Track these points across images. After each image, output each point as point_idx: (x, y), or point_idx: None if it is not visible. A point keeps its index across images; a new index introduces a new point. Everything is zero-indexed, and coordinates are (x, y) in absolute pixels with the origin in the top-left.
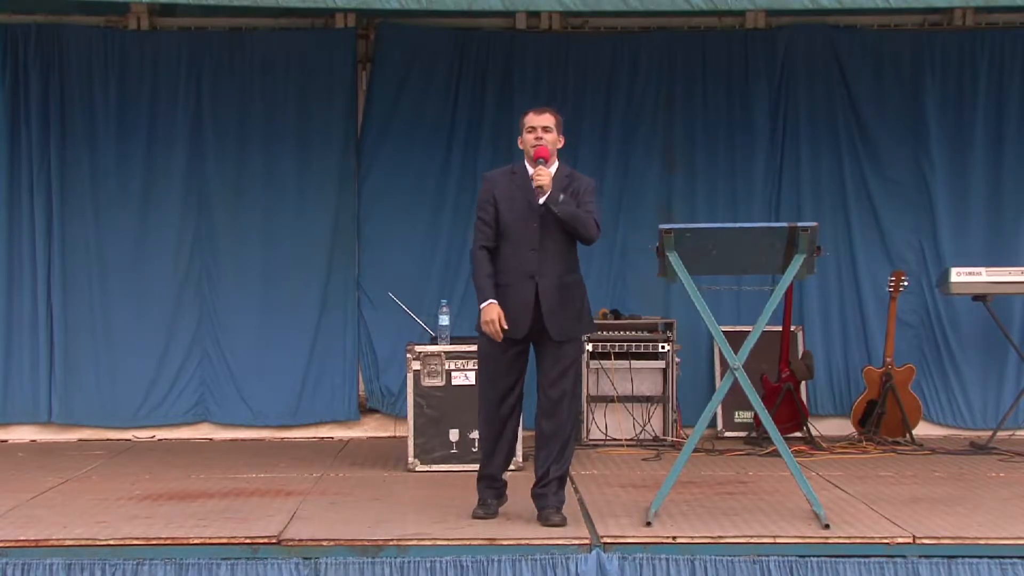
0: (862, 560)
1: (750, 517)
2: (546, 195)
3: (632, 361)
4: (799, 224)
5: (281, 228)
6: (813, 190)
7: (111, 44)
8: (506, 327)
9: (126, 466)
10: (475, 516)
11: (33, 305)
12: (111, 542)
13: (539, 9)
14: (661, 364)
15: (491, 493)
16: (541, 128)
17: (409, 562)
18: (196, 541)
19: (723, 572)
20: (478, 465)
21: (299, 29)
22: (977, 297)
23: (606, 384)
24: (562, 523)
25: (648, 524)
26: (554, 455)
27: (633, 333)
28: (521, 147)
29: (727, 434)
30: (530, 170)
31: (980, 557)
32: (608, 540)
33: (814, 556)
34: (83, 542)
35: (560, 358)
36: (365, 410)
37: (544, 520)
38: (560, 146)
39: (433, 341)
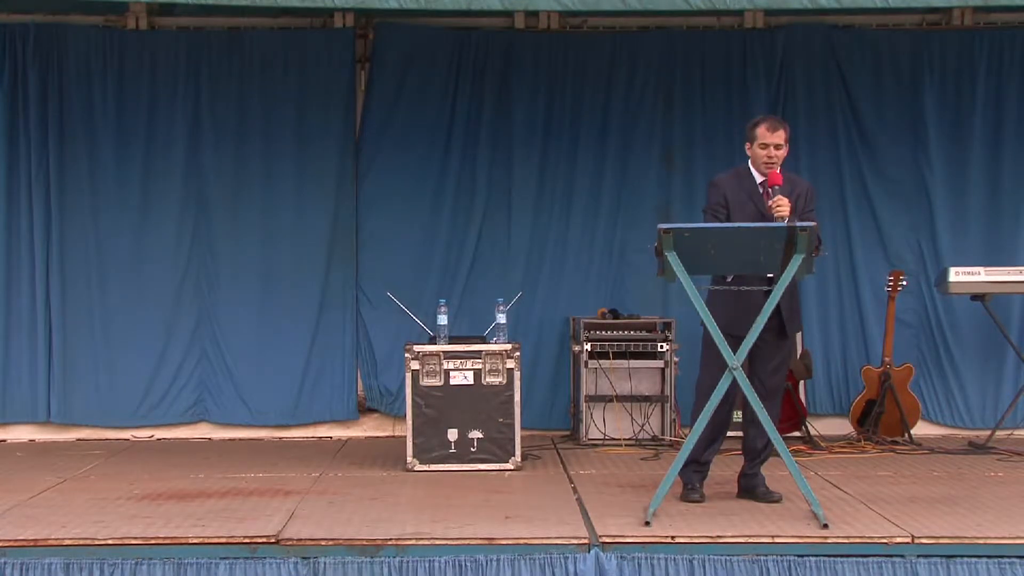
0: (860, 560)
1: (748, 517)
2: (786, 220)
3: (631, 361)
4: (798, 224)
5: (280, 227)
6: None
7: (110, 43)
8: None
9: (124, 466)
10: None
11: (32, 304)
12: (110, 542)
13: (538, 9)
14: (660, 364)
15: (698, 477)
16: (774, 146)
17: (408, 561)
18: (195, 540)
19: (722, 572)
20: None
21: (298, 29)
22: (976, 297)
23: (605, 384)
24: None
25: (647, 524)
26: None
27: (632, 333)
28: (748, 153)
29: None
30: (757, 177)
31: (979, 557)
32: (607, 540)
33: (812, 556)
34: (81, 541)
35: (780, 349)
36: (364, 410)
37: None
38: (785, 156)
39: (432, 341)
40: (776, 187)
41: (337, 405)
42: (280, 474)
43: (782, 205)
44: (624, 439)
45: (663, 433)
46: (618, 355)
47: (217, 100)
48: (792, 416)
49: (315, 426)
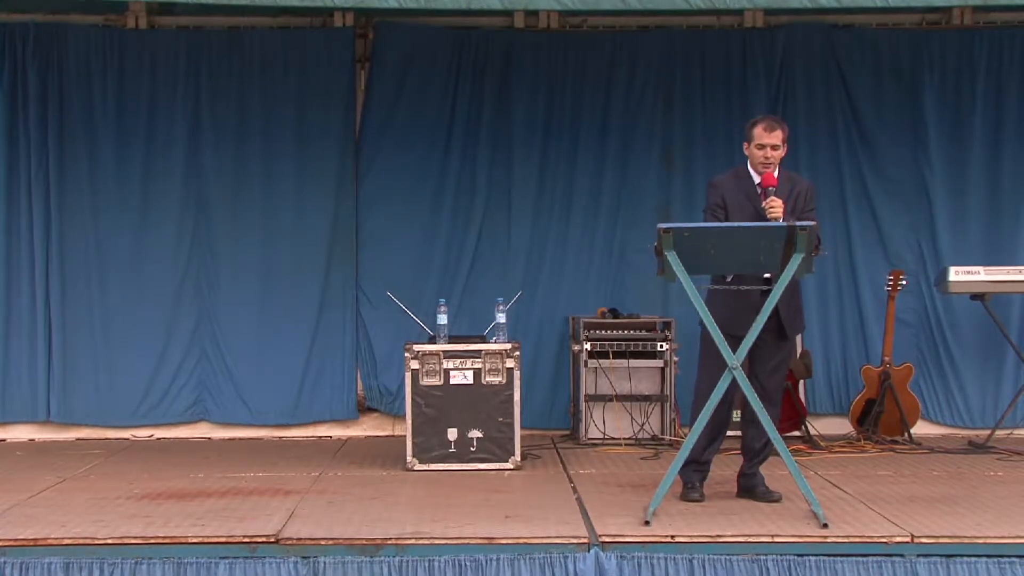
0: (860, 559)
1: (748, 516)
2: (780, 222)
3: (630, 360)
4: (797, 223)
5: (280, 227)
6: None
7: (109, 43)
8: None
9: (124, 465)
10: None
11: (32, 304)
12: (109, 541)
13: (538, 8)
14: (659, 363)
15: (698, 476)
16: (770, 146)
17: (407, 561)
18: (194, 540)
19: (721, 571)
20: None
21: (297, 28)
22: (975, 296)
23: (604, 383)
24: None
25: (646, 523)
26: None
27: (632, 332)
28: (746, 153)
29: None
30: (756, 178)
31: (978, 556)
32: (606, 539)
33: (812, 555)
34: (81, 541)
35: (780, 350)
36: (364, 409)
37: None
38: (783, 156)
39: (431, 340)
40: (771, 188)
41: (337, 405)
42: (280, 474)
43: (775, 207)
44: (624, 439)
45: (663, 433)
46: (618, 355)
47: (217, 100)
48: (792, 416)
49: (315, 426)
